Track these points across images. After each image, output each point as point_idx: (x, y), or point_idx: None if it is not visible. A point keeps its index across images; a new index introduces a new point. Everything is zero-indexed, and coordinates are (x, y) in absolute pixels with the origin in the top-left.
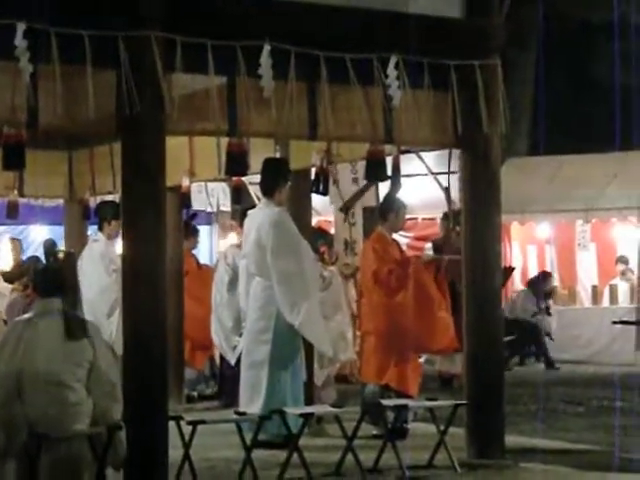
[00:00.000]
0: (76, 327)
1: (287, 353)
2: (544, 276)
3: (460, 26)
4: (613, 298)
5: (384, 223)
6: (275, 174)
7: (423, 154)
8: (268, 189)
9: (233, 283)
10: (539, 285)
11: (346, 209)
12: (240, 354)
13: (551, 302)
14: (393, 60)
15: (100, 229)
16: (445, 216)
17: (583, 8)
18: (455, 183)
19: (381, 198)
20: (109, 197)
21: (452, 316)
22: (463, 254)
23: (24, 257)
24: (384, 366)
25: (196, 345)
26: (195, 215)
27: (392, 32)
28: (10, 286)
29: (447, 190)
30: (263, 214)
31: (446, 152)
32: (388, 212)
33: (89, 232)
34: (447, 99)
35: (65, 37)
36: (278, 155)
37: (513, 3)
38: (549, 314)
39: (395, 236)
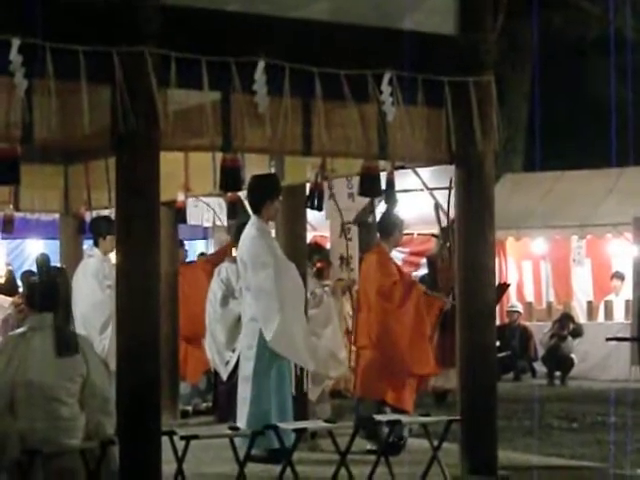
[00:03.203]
0: (66, 343)
1: (271, 368)
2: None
3: (454, 43)
4: (608, 314)
5: (387, 239)
6: (261, 191)
7: (419, 169)
8: (255, 206)
9: (226, 298)
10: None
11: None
12: (233, 369)
13: (574, 341)
14: (387, 76)
15: (96, 244)
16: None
17: (578, 24)
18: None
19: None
20: (105, 212)
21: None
22: (456, 270)
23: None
24: (381, 381)
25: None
26: None
27: (386, 48)
28: (9, 299)
29: (437, 207)
30: (247, 231)
31: (442, 167)
32: (392, 229)
33: (85, 246)
34: (441, 115)
35: (60, 52)
36: (273, 171)
37: (507, 20)
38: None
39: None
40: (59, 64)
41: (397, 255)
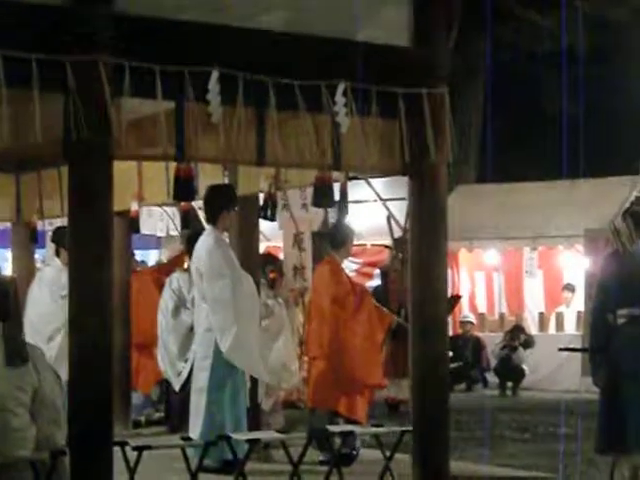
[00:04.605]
0: (17, 352)
1: (226, 380)
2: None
3: (408, 55)
4: (559, 325)
5: (339, 250)
6: (218, 201)
7: (372, 180)
8: (211, 216)
9: (178, 308)
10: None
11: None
12: (185, 380)
13: (526, 352)
14: (341, 87)
15: (57, 254)
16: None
17: (530, 39)
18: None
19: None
20: (57, 221)
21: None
22: (410, 281)
23: None
24: (333, 392)
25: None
26: None
27: (340, 60)
28: None
29: (389, 218)
30: (202, 241)
31: (396, 178)
32: (344, 240)
33: (37, 255)
34: (395, 127)
35: (12, 60)
36: (226, 180)
37: (461, 33)
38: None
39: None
40: (11, 72)
41: (350, 266)
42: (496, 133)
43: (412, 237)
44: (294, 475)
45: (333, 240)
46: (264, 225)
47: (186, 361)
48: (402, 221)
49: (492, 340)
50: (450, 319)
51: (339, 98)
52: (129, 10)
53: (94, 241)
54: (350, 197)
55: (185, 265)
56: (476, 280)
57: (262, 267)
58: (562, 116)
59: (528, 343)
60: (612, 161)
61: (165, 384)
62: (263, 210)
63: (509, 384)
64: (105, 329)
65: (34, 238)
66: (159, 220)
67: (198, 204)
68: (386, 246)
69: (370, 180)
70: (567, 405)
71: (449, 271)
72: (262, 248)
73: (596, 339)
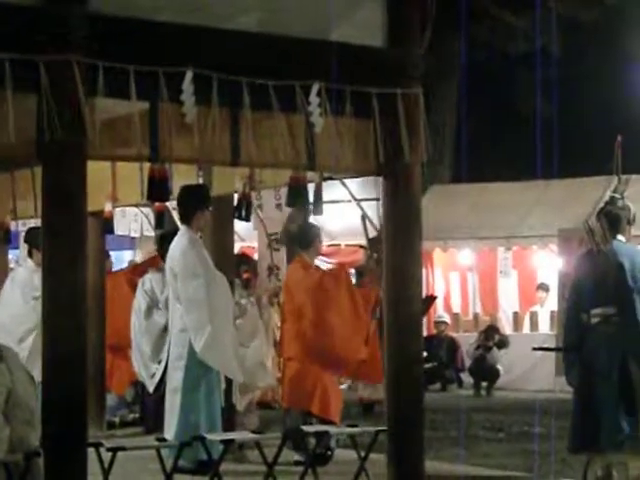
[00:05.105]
0: None
1: (201, 380)
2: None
3: (382, 55)
4: (533, 325)
5: (308, 250)
6: (191, 201)
7: (347, 181)
8: (184, 216)
9: (151, 309)
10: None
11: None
12: (159, 381)
13: (500, 352)
14: (315, 87)
15: (29, 255)
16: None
17: (504, 39)
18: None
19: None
20: (31, 221)
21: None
22: (384, 281)
23: None
24: (307, 392)
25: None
26: None
27: (315, 60)
28: None
29: (363, 218)
30: (177, 241)
31: (370, 179)
32: (312, 239)
33: (10, 256)
34: (369, 127)
35: None
36: (201, 181)
37: (435, 33)
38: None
39: (317, 261)
40: None
41: (323, 265)
42: (470, 133)
43: (386, 237)
44: (269, 476)
45: (301, 241)
46: (238, 225)
47: (159, 362)
48: (376, 221)
49: (466, 340)
50: (425, 319)
51: (313, 98)
52: (103, 10)
53: (68, 242)
54: (324, 197)
55: (159, 265)
56: (450, 280)
57: (236, 267)
58: (536, 116)
59: (502, 343)
60: (586, 161)
61: (140, 385)
62: (237, 210)
63: (484, 384)
64: (79, 330)
65: (7, 239)
66: (133, 221)
67: (172, 204)
68: (361, 246)
69: (344, 180)
70: (541, 405)
71: (423, 271)
72: (236, 248)
73: (570, 338)
